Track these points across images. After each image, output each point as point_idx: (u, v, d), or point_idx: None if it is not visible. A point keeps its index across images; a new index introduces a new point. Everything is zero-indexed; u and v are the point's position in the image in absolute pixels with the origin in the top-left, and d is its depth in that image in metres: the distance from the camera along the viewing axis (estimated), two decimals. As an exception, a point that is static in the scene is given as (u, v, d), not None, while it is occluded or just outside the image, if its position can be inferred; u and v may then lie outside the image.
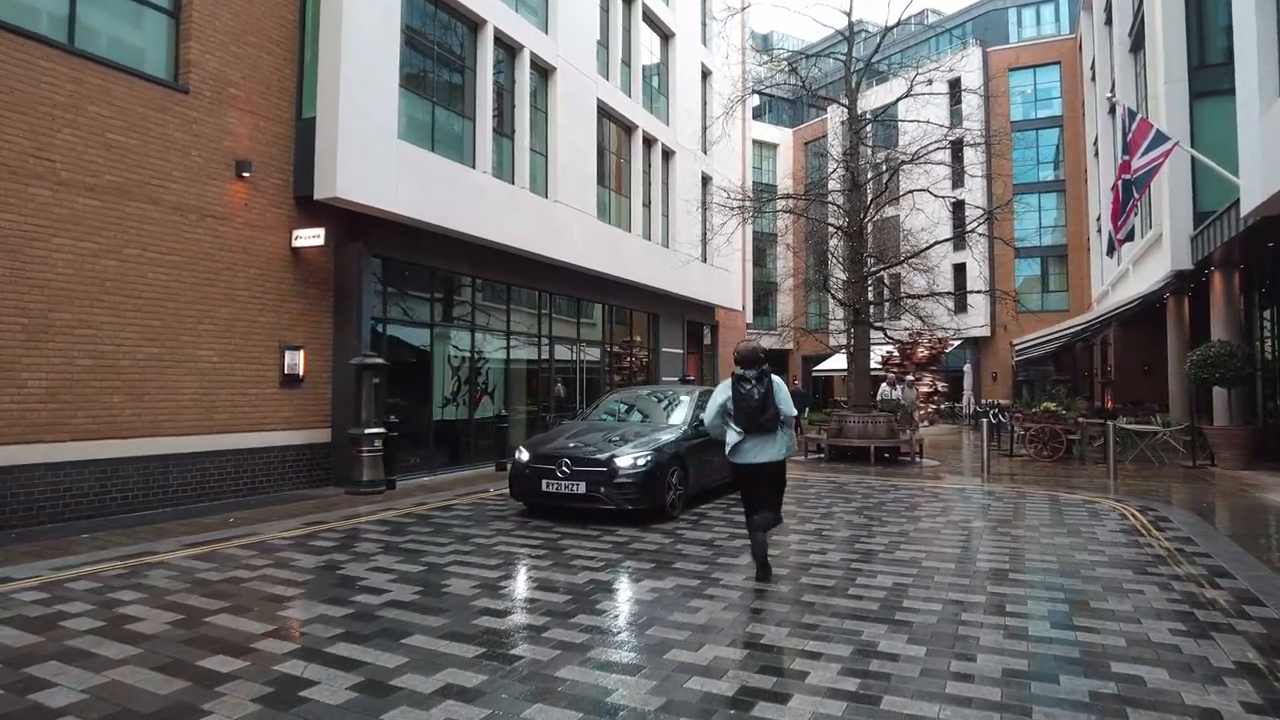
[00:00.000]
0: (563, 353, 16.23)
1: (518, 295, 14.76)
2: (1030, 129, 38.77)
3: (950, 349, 28.33)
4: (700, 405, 9.77)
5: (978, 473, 13.32)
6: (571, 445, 8.53)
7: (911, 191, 15.46)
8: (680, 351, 20.97)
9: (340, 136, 9.96)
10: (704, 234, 21.26)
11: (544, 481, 8.16)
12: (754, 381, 5.81)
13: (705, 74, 21.99)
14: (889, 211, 34.00)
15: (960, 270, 38.02)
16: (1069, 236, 37.46)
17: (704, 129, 21.42)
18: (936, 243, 15.79)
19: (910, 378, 18.83)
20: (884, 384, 19.30)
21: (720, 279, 22.29)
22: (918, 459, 15.04)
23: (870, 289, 15.95)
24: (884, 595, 5.38)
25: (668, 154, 19.65)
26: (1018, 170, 38.54)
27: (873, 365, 32.03)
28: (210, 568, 6.09)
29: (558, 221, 14.58)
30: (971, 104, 34.83)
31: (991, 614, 4.95)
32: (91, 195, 8.06)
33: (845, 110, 16.12)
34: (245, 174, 9.63)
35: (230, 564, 6.22)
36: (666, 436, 8.66)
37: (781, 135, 47.24)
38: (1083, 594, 5.42)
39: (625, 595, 5.45)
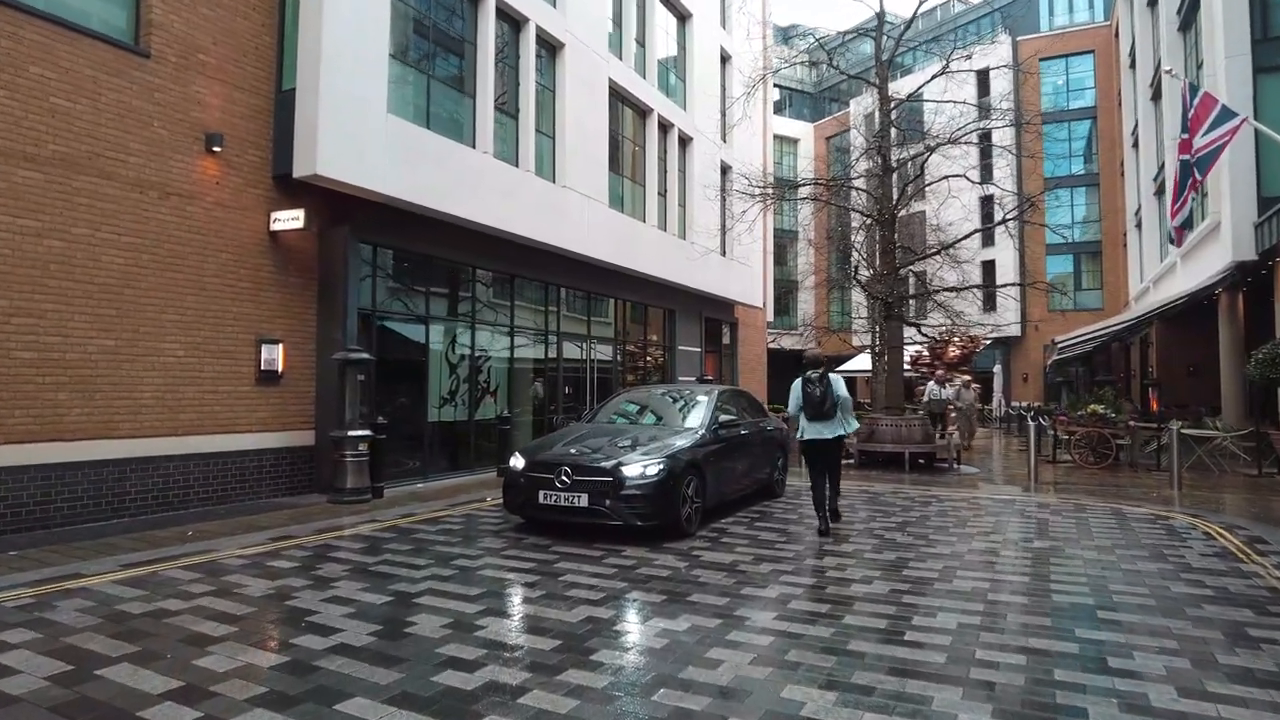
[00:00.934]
0: (572, 351, 15.22)
1: (523, 288, 13.78)
2: (1062, 121, 37.34)
3: (982, 348, 27.02)
4: (721, 406, 8.74)
5: (1022, 481, 12.16)
6: (573, 451, 7.51)
7: (947, 177, 14.35)
8: (698, 350, 19.91)
9: (321, 107, 9.02)
10: (723, 225, 20.21)
11: (541, 493, 7.14)
12: (816, 381, 7.67)
13: (724, 58, 20.92)
14: (915, 206, 32.93)
15: (990, 267, 36.71)
16: (1103, 232, 35.98)
17: (723, 115, 20.35)
18: (975, 231, 14.69)
19: (966, 377, 17.26)
20: (930, 383, 17.54)
21: (740, 274, 21.20)
22: (956, 465, 13.89)
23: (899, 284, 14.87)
24: (949, 642, 4.31)
25: (684, 140, 18.60)
26: (1048, 164, 37.16)
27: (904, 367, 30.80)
28: (138, 596, 5.13)
29: (566, 208, 13.58)
30: (1000, 94, 33.49)
31: (1093, 672, 3.87)
32: (33, 166, 7.16)
33: (872, 96, 14.99)
34: (216, 149, 8.71)
35: (163, 591, 5.26)
36: (681, 442, 7.61)
37: (802, 129, 46.04)
38: (1201, 645, 4.32)
39: (629, 640, 4.42)
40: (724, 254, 20.21)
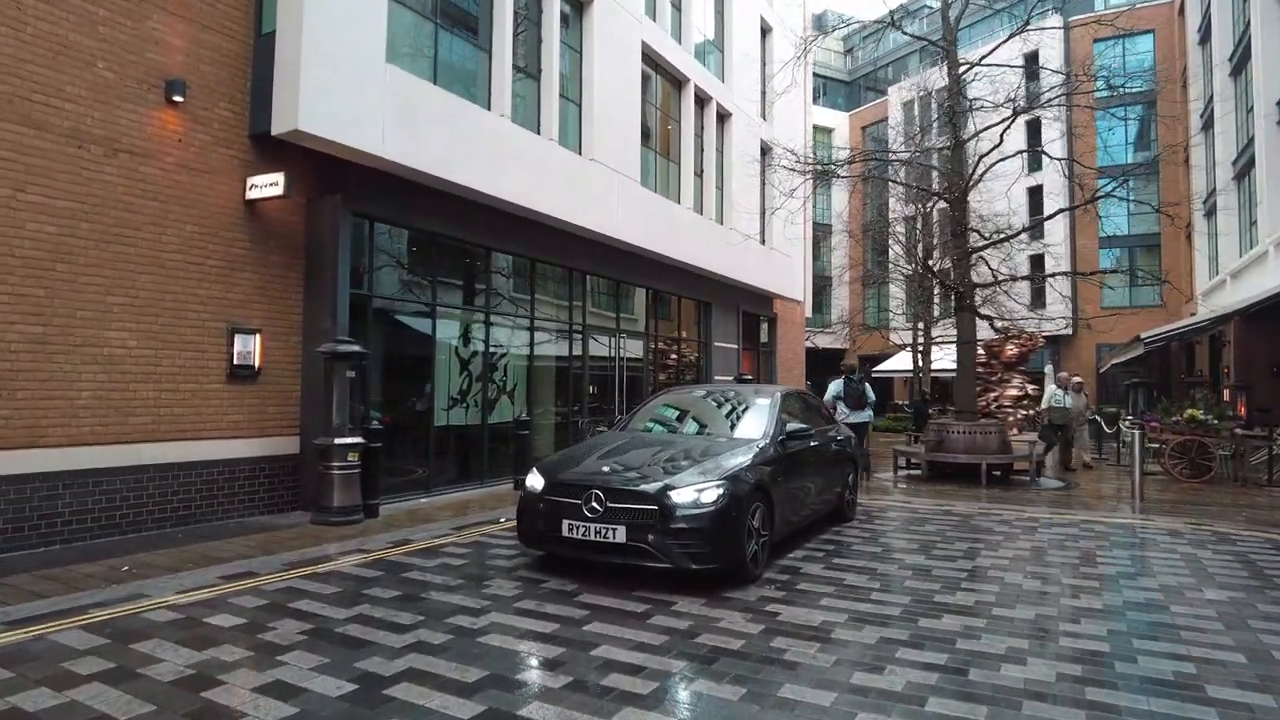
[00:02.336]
0: (598, 347, 13.63)
1: (545, 276, 12.23)
2: (1117, 105, 35.08)
3: (1041, 346, 25.07)
4: (786, 411, 7.12)
5: (1119, 498, 10.41)
6: (606, 470, 5.92)
7: (1024, 151, 12.60)
8: (735, 347, 18.26)
9: (305, 49, 7.53)
10: (763, 210, 18.56)
11: (566, 523, 5.56)
12: (857, 382, 11.59)
13: (765, 30, 19.24)
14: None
15: (1038, 262, 34.57)
16: (1161, 223, 33.69)
17: (763, 91, 18.71)
18: (1061, 210, 12.89)
19: (1078, 378, 14.40)
20: (1052, 385, 14.36)
21: (781, 265, 19.52)
22: (1036, 479, 12.13)
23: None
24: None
25: (723, 116, 16.96)
26: (1101, 156, 34.94)
27: (949, 367, 28.87)
28: (-3, 681, 3.64)
29: (594, 184, 12.02)
30: (1049, 80, 31.39)
31: None
32: (-68, 108, 5.73)
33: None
34: (177, 98, 7.24)
35: (36, 671, 3.76)
36: (741, 458, 5.98)
37: (837, 119, 44.12)
38: None
39: (703, 786, 2.82)
40: (763, 242, 18.55)
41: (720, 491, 5.41)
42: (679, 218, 14.78)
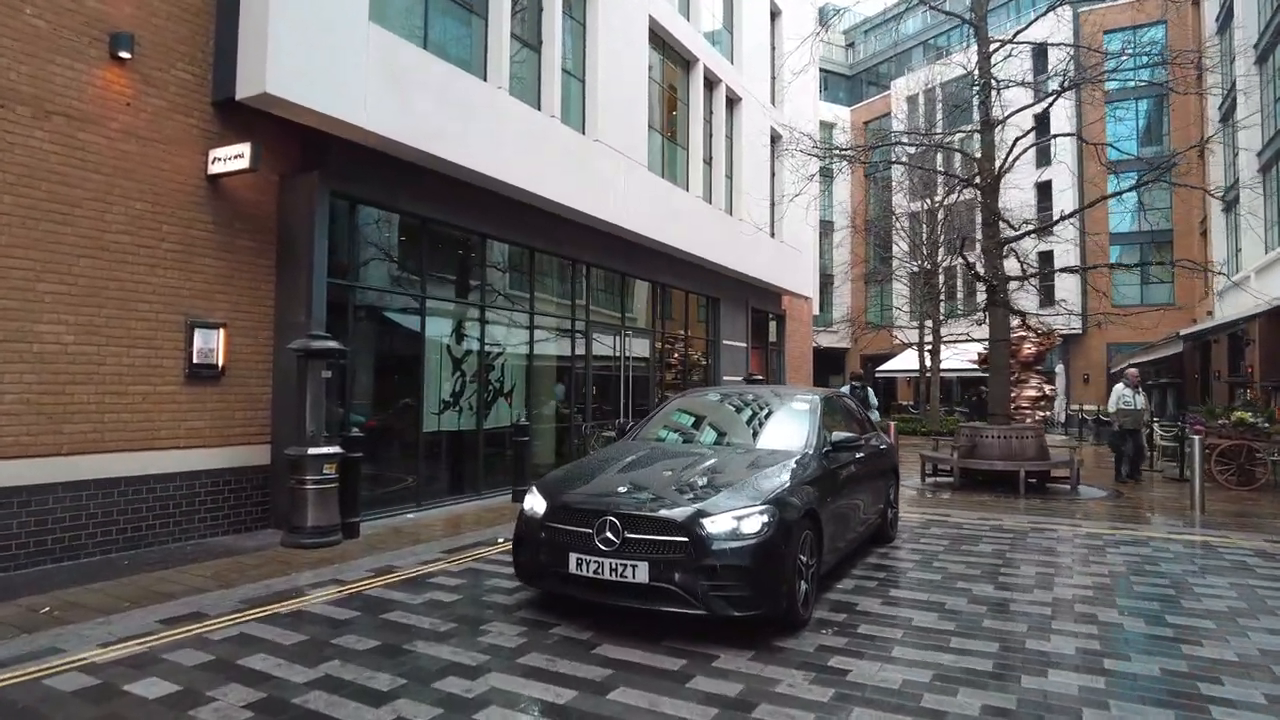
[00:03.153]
0: (601, 347, 12.66)
1: (545, 268, 11.27)
2: (1128, 99, 34.29)
3: (1057, 344, 24.19)
4: (829, 417, 6.18)
5: (1173, 509, 9.51)
6: (622, 491, 4.94)
7: (1056, 137, 11.67)
8: (744, 346, 17.31)
9: (274, 1, 6.55)
10: (772, 202, 17.63)
11: (574, 557, 4.57)
12: (860, 388, 11.99)
13: (774, 13, 18.29)
14: (965, 193, 30.09)
15: (1047, 258, 33.71)
16: (1174, 219, 32.90)
17: (773, 77, 17.78)
18: (1105, 197, 12.03)
19: (1134, 372, 12.85)
20: (1119, 384, 12.69)
21: (791, 259, 18.58)
22: (1075, 487, 11.23)
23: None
24: None
25: (732, 101, 16.00)
26: (1110, 152, 34.11)
27: (966, 365, 27.91)
28: None
29: (598, 167, 11.06)
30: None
31: None
32: None
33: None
34: (124, 54, 6.25)
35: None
36: (783, 476, 5.00)
37: (839, 114, 43.17)
38: None
39: None
40: (772, 235, 17.60)
41: (765, 519, 4.45)
42: (687, 206, 13.82)
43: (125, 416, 6.33)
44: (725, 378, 16.13)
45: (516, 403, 10.57)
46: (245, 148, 6.70)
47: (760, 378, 16.50)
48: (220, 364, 7.01)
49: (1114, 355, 33.16)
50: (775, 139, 17.97)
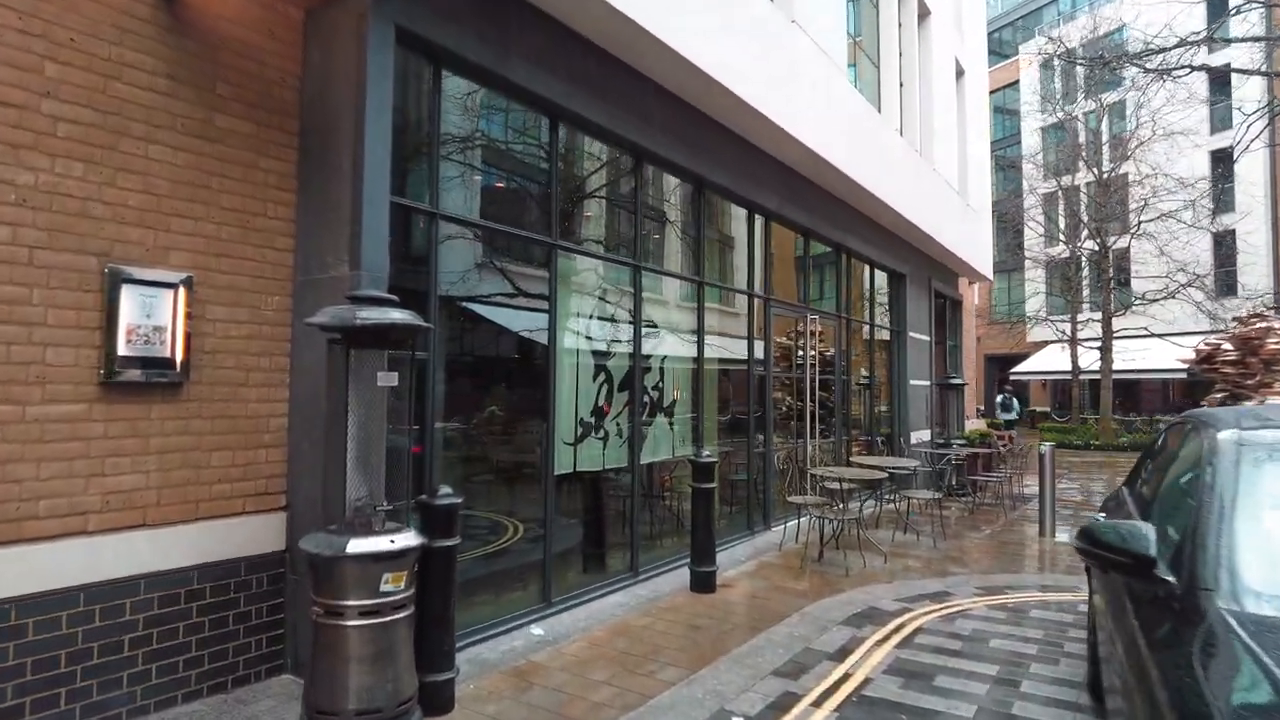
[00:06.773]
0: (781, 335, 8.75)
1: (716, 213, 7.50)
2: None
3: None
4: None
5: None
6: None
7: None
8: (926, 339, 13.20)
9: None
10: (960, 153, 13.53)
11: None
12: (1010, 395, 16.98)
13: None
14: (1120, 167, 25.19)
15: (1229, 238, 28.18)
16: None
17: (960, -13, 13.69)
18: None
19: None
20: None
21: (972, 227, 14.40)
22: None
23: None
24: None
25: (923, 13, 11.95)
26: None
27: (1178, 366, 23.04)
28: None
29: (796, 59, 7.26)
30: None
31: None
32: None
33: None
34: None
35: None
36: None
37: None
38: None
39: None
40: (957, 194, 13.46)
41: None
42: (889, 142, 9.88)
43: (-50, 473, 2.83)
44: (912, 381, 12.10)
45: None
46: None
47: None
48: (178, 356, 3.47)
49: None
50: (960, 74, 13.86)
